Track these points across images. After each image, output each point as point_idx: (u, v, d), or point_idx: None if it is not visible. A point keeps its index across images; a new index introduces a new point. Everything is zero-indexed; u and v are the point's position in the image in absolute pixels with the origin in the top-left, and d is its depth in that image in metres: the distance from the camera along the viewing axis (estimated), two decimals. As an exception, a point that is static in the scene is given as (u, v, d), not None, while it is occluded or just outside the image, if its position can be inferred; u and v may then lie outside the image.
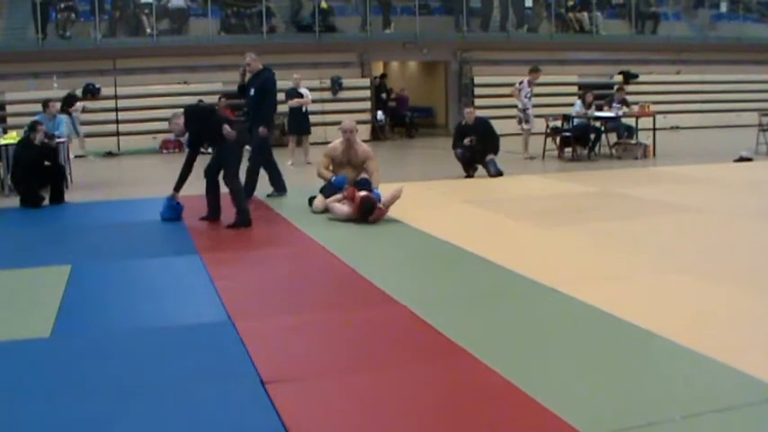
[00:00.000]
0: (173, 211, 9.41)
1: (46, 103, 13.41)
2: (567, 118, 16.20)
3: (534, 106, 16.22)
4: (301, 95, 15.63)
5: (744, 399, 3.98)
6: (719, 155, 15.49)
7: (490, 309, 5.73)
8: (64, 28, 19.32)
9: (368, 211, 9.00)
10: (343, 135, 9.87)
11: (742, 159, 14.78)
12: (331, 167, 9.91)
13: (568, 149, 15.88)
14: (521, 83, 16.20)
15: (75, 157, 15.96)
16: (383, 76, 24.38)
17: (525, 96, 16.05)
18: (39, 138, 11.04)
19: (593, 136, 16.02)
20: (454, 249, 7.67)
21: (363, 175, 9.70)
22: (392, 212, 9.30)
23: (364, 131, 19.79)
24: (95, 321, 5.63)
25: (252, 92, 10.83)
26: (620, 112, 16.48)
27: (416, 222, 8.92)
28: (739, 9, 25.71)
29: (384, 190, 9.40)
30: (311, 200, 9.92)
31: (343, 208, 9.20)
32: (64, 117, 14.40)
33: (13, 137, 12.30)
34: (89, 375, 4.51)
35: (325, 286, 6.55)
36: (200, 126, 9.17)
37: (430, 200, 10.68)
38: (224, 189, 9.18)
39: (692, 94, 23.87)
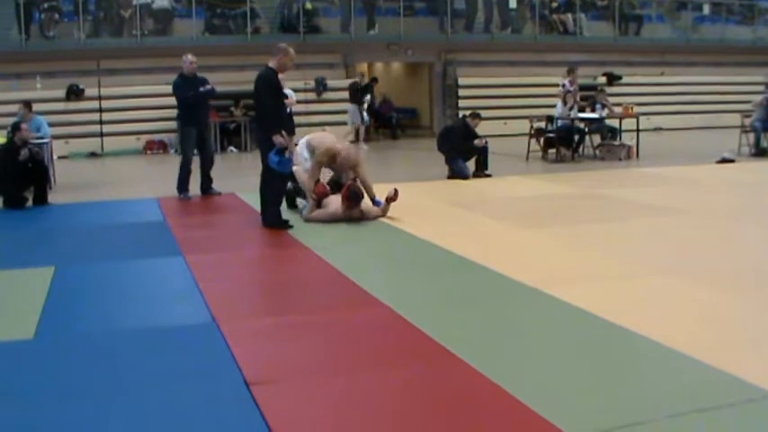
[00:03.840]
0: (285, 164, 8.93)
1: (27, 104, 13.24)
2: (550, 119, 16.26)
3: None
4: (286, 96, 15.60)
5: (727, 398, 4.01)
6: (702, 156, 15.56)
7: (475, 310, 5.74)
8: (48, 28, 19.22)
9: (355, 198, 9.03)
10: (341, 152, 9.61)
11: (724, 161, 14.86)
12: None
13: (552, 150, 15.93)
14: (563, 86, 16.37)
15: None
16: (374, 79, 24.36)
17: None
18: (19, 137, 10.96)
19: (576, 137, 16.08)
20: (439, 251, 7.68)
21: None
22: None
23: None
24: (79, 323, 5.62)
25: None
26: (604, 113, 16.55)
27: (401, 224, 8.94)
28: (722, 11, 25.81)
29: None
30: (290, 199, 9.94)
31: (327, 210, 9.17)
32: (43, 118, 14.24)
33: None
34: (73, 377, 4.50)
35: (310, 288, 6.55)
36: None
37: (414, 201, 10.67)
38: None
39: (675, 96, 23.93)
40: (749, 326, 5.29)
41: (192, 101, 11.28)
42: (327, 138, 10.03)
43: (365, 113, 21.82)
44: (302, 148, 9.81)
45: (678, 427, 3.73)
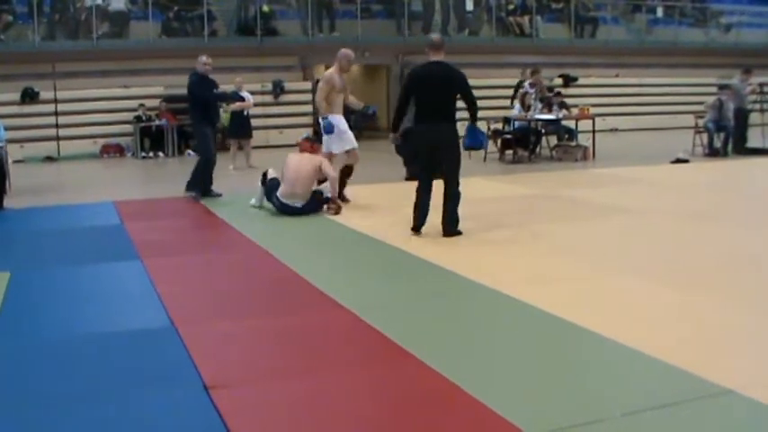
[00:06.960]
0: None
1: None
2: (507, 120, 16.36)
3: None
4: (243, 99, 15.58)
5: (683, 395, 4.06)
6: (657, 156, 15.75)
7: (434, 311, 5.76)
8: (2, 31, 18.97)
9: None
10: (348, 64, 10.76)
11: (679, 161, 15.07)
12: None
13: (509, 152, 16.03)
14: (523, 87, 16.50)
15: None
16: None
17: (534, 99, 16.36)
18: None
19: (533, 138, 16.20)
20: (397, 252, 7.70)
21: None
22: (334, 216, 9.36)
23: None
24: (35, 328, 5.55)
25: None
26: (561, 115, 16.69)
27: (359, 226, 8.94)
28: (675, 14, 26.20)
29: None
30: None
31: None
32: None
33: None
34: (29, 383, 4.45)
35: (269, 291, 6.53)
36: None
37: (372, 203, 10.70)
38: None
39: (630, 97, 24.22)
40: (708, 325, 5.34)
41: (210, 100, 11.44)
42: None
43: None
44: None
45: (635, 424, 3.77)
